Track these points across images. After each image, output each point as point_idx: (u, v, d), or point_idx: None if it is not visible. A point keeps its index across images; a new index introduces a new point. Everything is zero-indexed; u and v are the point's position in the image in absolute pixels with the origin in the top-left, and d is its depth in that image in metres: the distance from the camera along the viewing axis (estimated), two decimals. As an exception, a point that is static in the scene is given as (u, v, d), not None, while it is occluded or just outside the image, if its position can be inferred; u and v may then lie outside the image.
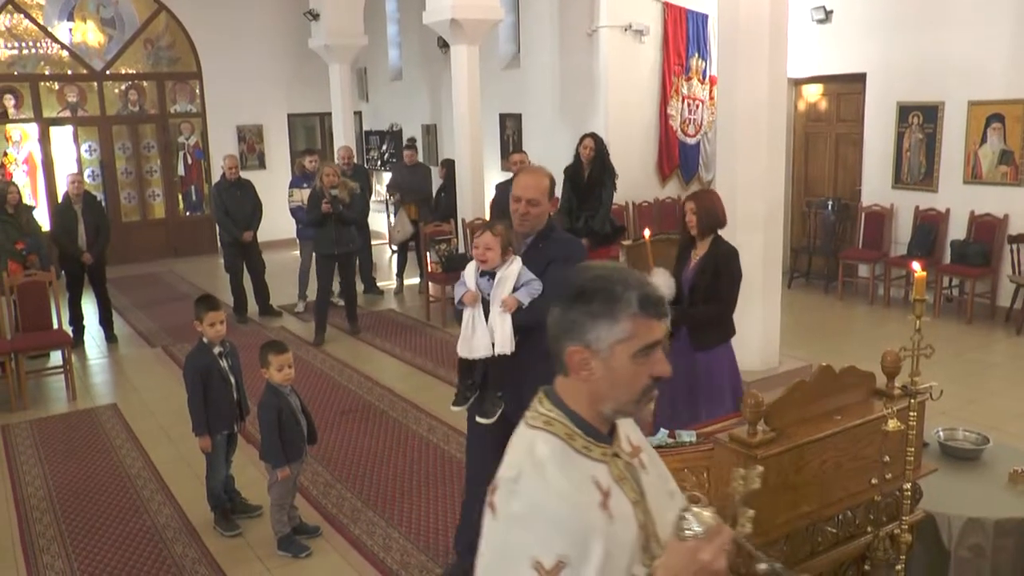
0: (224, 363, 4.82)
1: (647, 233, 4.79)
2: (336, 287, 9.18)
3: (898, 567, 2.46)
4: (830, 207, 10.07)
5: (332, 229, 8.52)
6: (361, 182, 10.34)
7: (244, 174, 9.96)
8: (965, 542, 2.94)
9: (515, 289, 3.65)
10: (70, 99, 13.41)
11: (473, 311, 3.70)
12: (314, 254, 8.98)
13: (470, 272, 3.80)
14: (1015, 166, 8.37)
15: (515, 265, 3.67)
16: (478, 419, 3.80)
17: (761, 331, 6.78)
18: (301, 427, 4.56)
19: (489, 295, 3.66)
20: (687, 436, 2.72)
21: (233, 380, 4.86)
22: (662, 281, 4.46)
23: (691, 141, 11.26)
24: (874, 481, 2.43)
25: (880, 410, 2.56)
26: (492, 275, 3.70)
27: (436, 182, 11.20)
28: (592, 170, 8.05)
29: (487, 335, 3.66)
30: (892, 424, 2.33)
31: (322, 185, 8.49)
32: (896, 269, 9.33)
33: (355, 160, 10.85)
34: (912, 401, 2.39)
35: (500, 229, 3.71)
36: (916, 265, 2.34)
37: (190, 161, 14.41)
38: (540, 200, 3.71)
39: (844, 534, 2.57)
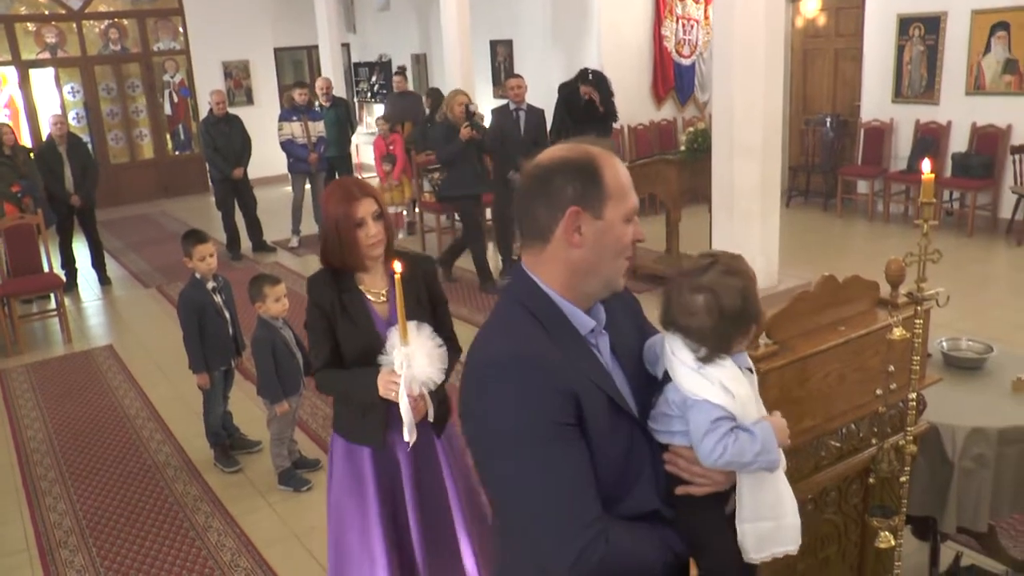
0: (218, 298, 4.75)
1: (397, 267, 2.44)
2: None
3: (903, 479, 2.41)
4: (829, 124, 9.90)
5: (472, 163, 7.51)
6: (342, 115, 10.22)
7: (232, 110, 9.78)
8: (969, 452, 2.90)
9: None
10: (49, 40, 13.09)
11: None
12: (456, 200, 7.81)
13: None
14: (1020, 75, 8.19)
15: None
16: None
17: (760, 251, 6.71)
18: (297, 360, 4.51)
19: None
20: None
21: (228, 315, 4.80)
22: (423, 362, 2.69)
23: (686, 62, 11.03)
24: (879, 392, 2.36)
25: (885, 319, 2.49)
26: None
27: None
28: (587, 103, 7.81)
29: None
30: (897, 333, 2.25)
31: (454, 116, 7.44)
32: (896, 184, 9.21)
33: (334, 92, 10.64)
34: (918, 308, 2.31)
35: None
36: (926, 165, 2.23)
37: (176, 100, 14.15)
38: None
39: (848, 447, 2.52)
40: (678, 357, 1.70)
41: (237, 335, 4.87)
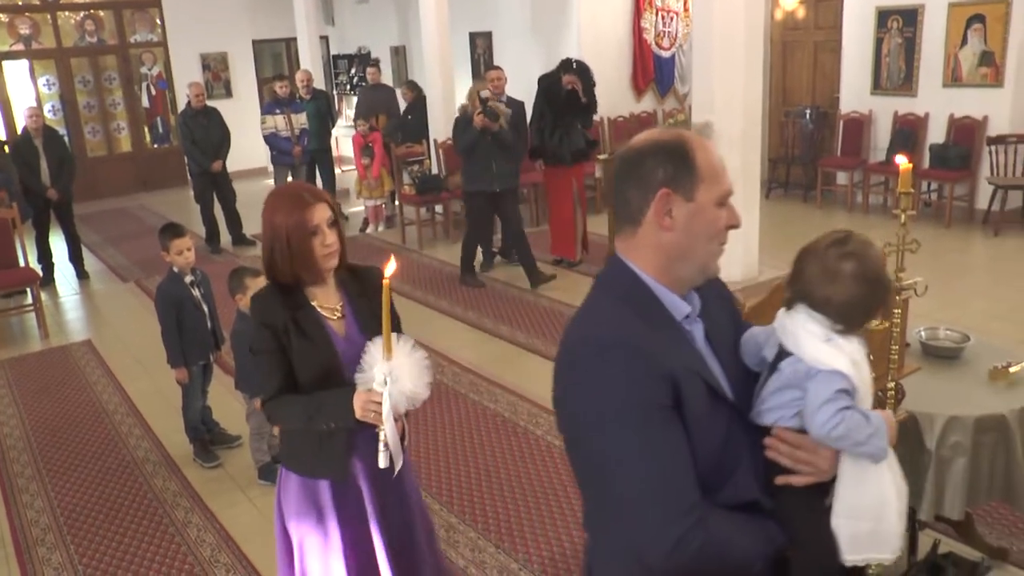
0: (196, 292, 4.71)
1: (388, 271, 2.26)
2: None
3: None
4: (808, 116, 9.94)
5: (490, 156, 7.16)
6: (322, 107, 10.18)
7: (210, 103, 9.70)
8: (946, 441, 2.92)
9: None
10: (23, 31, 12.93)
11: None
12: (469, 195, 7.57)
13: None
14: (995, 67, 8.25)
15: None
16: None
17: (741, 243, 6.75)
18: (276, 354, 4.47)
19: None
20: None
21: (206, 309, 4.76)
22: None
23: (666, 54, 11.04)
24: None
25: (862, 309, 2.50)
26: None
27: (402, 104, 10.96)
28: (568, 96, 7.78)
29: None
30: (876, 322, 2.27)
31: (474, 108, 7.16)
32: (875, 175, 9.27)
33: (314, 84, 10.58)
34: (896, 298, 2.33)
35: None
36: (901, 158, 2.25)
37: (154, 92, 14.03)
38: None
39: (827, 436, 2.53)
40: (806, 329, 1.66)
41: (216, 329, 4.83)
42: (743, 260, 6.81)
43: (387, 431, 2.34)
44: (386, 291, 2.20)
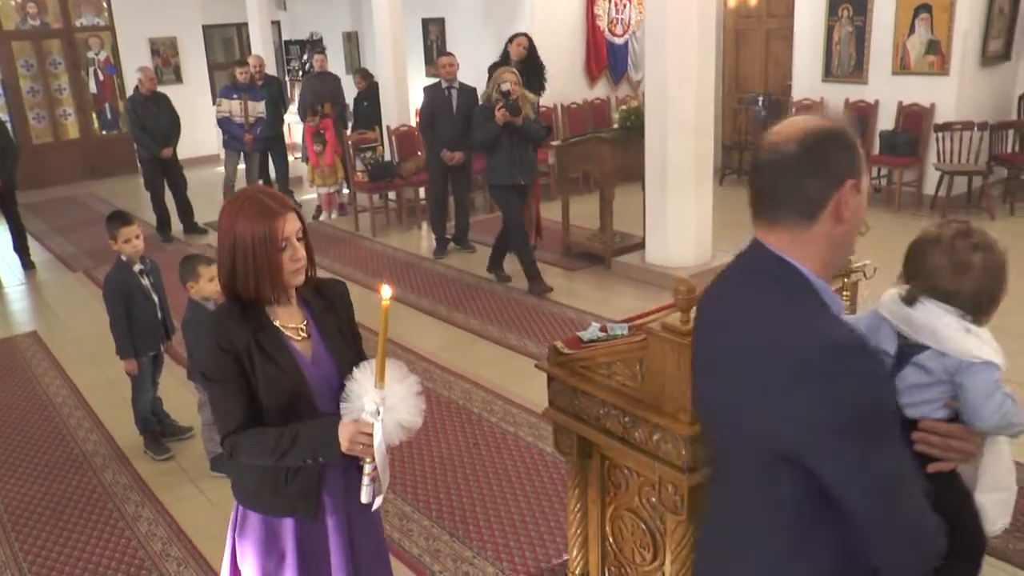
0: (146, 281, 4.62)
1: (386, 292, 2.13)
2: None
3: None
4: (761, 103, 10.02)
5: (514, 148, 6.75)
6: (274, 94, 10.05)
7: (160, 89, 9.49)
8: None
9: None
10: (-39, 13, 12.56)
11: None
12: (496, 189, 7.06)
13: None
14: (941, 55, 8.39)
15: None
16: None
17: (694, 229, 6.81)
18: (228, 344, 4.41)
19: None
20: (619, 329, 2.66)
21: (156, 298, 4.68)
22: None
23: (619, 41, 11.06)
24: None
25: (813, 294, 2.53)
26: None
27: (352, 91, 10.86)
28: (522, 70, 7.77)
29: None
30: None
31: (494, 103, 6.69)
32: (826, 163, 9.38)
33: (266, 70, 10.44)
34: (845, 280, 2.35)
35: None
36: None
37: (102, 77, 13.69)
38: None
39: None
40: (943, 323, 1.65)
41: (166, 319, 4.75)
42: (696, 245, 6.86)
43: (379, 464, 2.14)
44: (384, 314, 2.05)
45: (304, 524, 2.29)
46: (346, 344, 2.30)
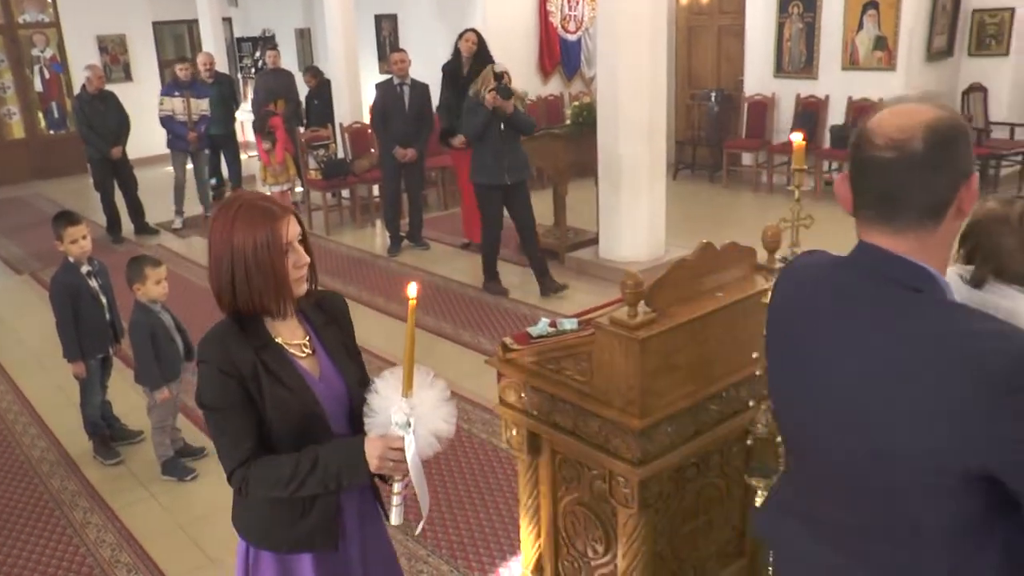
0: (94, 282, 4.53)
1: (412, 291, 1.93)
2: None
3: (779, 439, 2.48)
4: (713, 99, 10.12)
5: (499, 144, 6.32)
6: (225, 92, 9.92)
7: (110, 87, 9.31)
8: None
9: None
10: (-102, 10, 12.21)
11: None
12: (476, 187, 6.63)
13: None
14: (888, 51, 8.54)
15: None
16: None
17: (647, 224, 6.85)
18: (177, 345, 4.34)
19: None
20: (568, 323, 2.66)
21: (105, 300, 4.58)
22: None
23: (572, 38, 11.11)
24: (756, 355, 2.42)
25: (762, 284, 2.55)
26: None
27: (303, 89, 10.77)
28: (473, 65, 7.73)
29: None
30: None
31: (486, 84, 6.30)
32: (779, 156, 9.50)
33: (217, 68, 10.29)
34: (790, 273, 2.37)
35: None
36: (796, 136, 2.29)
37: (48, 75, 13.39)
38: None
39: (728, 411, 2.57)
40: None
41: (115, 321, 4.66)
42: (649, 240, 6.90)
43: (415, 480, 1.95)
44: (411, 315, 1.87)
45: (323, 559, 2.09)
46: (351, 360, 2.14)
